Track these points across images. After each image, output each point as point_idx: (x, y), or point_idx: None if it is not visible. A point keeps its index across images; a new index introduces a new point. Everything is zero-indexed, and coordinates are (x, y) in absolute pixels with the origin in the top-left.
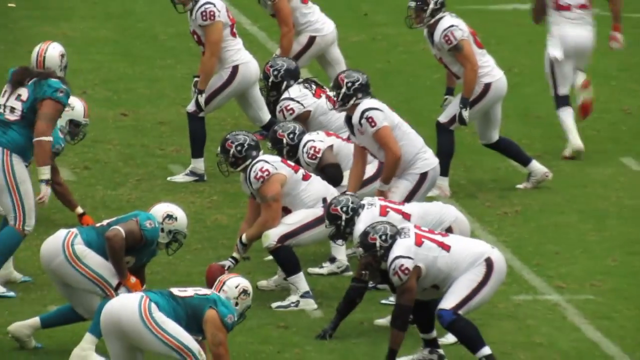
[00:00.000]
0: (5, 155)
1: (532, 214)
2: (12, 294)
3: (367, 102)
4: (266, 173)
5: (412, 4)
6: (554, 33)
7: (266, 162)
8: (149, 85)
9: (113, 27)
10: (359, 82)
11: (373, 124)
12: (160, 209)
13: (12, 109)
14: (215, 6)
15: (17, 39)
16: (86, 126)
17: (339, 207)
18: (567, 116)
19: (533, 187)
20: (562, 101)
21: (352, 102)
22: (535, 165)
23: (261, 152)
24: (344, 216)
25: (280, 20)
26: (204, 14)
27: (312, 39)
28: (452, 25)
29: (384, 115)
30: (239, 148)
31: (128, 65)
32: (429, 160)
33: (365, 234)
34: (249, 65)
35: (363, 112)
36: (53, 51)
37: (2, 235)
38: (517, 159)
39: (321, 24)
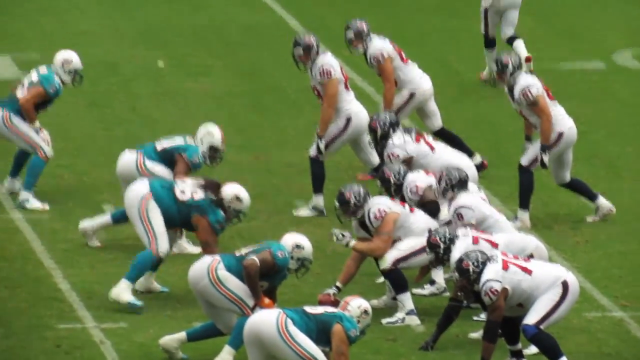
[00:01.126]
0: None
1: (600, 243)
2: (140, 303)
3: (461, 199)
4: (384, 212)
5: (494, 67)
6: None
7: (380, 204)
8: (277, 132)
9: (245, 82)
10: (456, 179)
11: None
12: (289, 240)
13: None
14: (331, 65)
15: (164, 91)
16: (223, 151)
17: (438, 237)
18: None
19: (600, 219)
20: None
21: (448, 195)
22: (602, 201)
23: (370, 196)
24: (442, 245)
25: (384, 78)
26: (321, 72)
27: (412, 94)
28: (528, 85)
29: (473, 213)
30: (358, 197)
31: (259, 116)
32: None
33: (460, 260)
34: (360, 115)
35: (455, 209)
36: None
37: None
38: (586, 195)
39: (419, 80)
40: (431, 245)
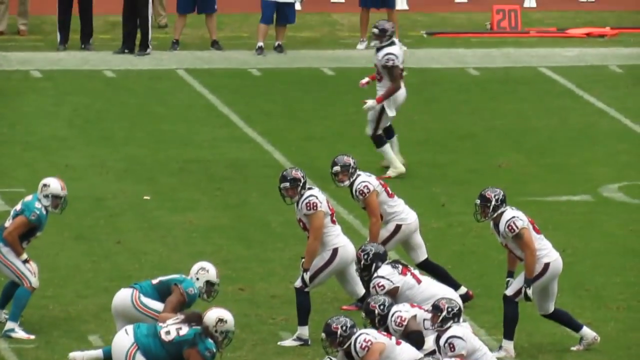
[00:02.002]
0: None
1: None
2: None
3: (453, 330)
4: (369, 342)
5: (477, 201)
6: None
7: (367, 334)
8: (262, 264)
9: (231, 215)
10: (457, 309)
11: None
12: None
13: None
14: (317, 198)
15: (150, 226)
16: (219, 285)
17: None
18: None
19: (584, 349)
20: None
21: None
22: (586, 331)
23: (357, 327)
24: None
25: (369, 212)
26: (308, 205)
27: (398, 227)
28: (513, 217)
29: (465, 344)
30: (344, 329)
31: (244, 248)
32: None
33: None
34: (347, 248)
35: (447, 339)
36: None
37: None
38: (570, 326)
39: (405, 214)
40: None
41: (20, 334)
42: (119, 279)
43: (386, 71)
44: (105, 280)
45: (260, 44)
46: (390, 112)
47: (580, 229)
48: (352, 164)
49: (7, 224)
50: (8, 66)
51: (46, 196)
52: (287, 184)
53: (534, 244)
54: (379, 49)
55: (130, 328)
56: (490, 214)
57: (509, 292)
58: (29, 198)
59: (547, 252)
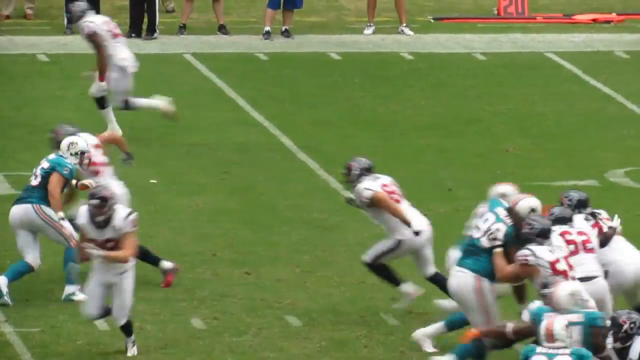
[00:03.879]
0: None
1: None
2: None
3: None
4: None
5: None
6: None
7: None
8: (268, 248)
9: (238, 199)
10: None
11: None
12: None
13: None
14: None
15: (157, 209)
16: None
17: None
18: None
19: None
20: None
21: None
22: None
23: None
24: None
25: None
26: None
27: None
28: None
29: None
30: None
31: (250, 232)
32: None
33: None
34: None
35: None
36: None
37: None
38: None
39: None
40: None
41: (80, 296)
42: None
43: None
44: None
45: (268, 28)
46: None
47: None
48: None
49: (35, 182)
50: (15, 50)
51: (75, 154)
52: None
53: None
54: None
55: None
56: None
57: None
58: (53, 156)
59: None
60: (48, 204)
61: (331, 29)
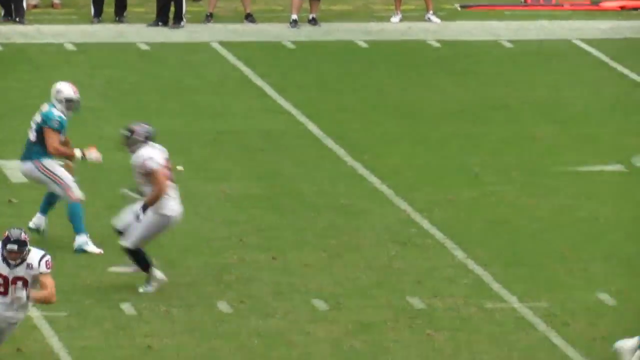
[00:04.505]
0: None
1: None
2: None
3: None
4: None
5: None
6: None
7: None
8: (295, 233)
9: (265, 185)
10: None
11: None
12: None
13: None
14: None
15: (184, 195)
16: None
17: None
18: None
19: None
20: None
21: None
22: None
23: None
24: None
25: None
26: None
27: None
28: (150, 157)
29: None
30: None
31: (277, 217)
32: None
33: None
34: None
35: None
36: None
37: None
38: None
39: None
40: None
41: (91, 247)
42: (153, 247)
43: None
44: None
45: (295, 17)
46: None
47: (612, 198)
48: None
49: (32, 137)
50: (42, 39)
51: (60, 101)
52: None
53: (164, 184)
54: None
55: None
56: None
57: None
58: (45, 107)
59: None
60: (49, 157)
61: (358, 17)
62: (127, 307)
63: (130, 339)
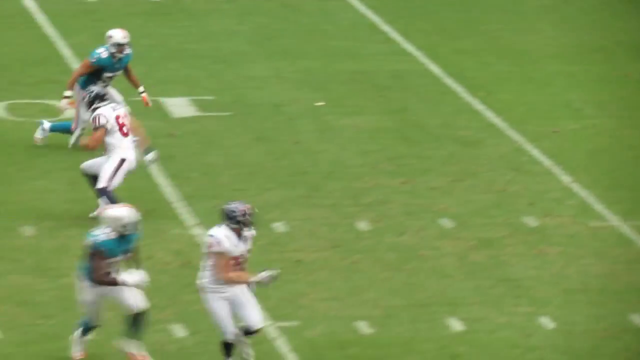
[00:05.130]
0: None
1: None
2: None
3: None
4: None
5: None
6: None
7: None
8: (421, 161)
9: (394, 119)
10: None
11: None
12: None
13: None
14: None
15: (323, 128)
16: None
17: None
18: None
19: None
20: None
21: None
22: None
23: None
24: None
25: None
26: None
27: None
28: (100, 114)
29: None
30: None
31: (405, 147)
32: None
33: None
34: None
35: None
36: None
37: None
38: None
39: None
40: None
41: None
42: (297, 175)
43: None
44: (285, 176)
45: None
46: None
47: None
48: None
49: None
50: None
51: (111, 45)
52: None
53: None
54: None
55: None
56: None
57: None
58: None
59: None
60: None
61: None
62: (277, 226)
63: (280, 254)
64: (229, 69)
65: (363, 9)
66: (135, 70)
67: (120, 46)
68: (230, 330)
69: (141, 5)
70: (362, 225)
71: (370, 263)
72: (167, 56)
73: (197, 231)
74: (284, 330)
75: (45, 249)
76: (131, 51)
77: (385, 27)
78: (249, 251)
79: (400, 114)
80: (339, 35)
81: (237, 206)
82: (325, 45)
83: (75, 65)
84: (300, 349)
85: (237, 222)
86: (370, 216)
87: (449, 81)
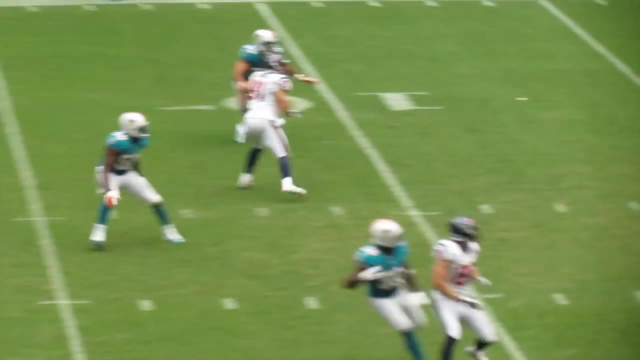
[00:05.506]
0: None
1: None
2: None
3: None
4: None
5: None
6: None
7: None
8: (613, 150)
9: (588, 113)
10: None
11: None
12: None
13: None
14: None
15: (525, 121)
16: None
17: None
18: None
19: None
20: None
21: None
22: None
23: None
24: None
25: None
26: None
27: None
28: None
29: None
30: None
31: (599, 138)
32: None
33: None
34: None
35: None
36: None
37: None
38: None
39: None
40: None
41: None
42: (502, 162)
43: None
44: (491, 163)
45: None
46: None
47: None
48: None
49: None
50: None
51: (261, 44)
52: None
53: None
54: None
55: None
56: None
57: None
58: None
59: None
60: None
61: None
62: (484, 208)
63: (488, 233)
64: (441, 67)
65: (559, 14)
66: (357, 68)
67: (268, 44)
68: (457, 330)
69: (361, 10)
70: (560, 207)
71: (566, 241)
72: (386, 56)
73: (412, 212)
74: (490, 302)
75: (277, 228)
76: (280, 49)
77: (578, 30)
78: (473, 264)
79: (593, 108)
80: (538, 38)
81: (465, 220)
82: (525, 46)
83: (304, 64)
84: (503, 318)
85: (464, 235)
86: (566, 199)
87: (637, 79)
